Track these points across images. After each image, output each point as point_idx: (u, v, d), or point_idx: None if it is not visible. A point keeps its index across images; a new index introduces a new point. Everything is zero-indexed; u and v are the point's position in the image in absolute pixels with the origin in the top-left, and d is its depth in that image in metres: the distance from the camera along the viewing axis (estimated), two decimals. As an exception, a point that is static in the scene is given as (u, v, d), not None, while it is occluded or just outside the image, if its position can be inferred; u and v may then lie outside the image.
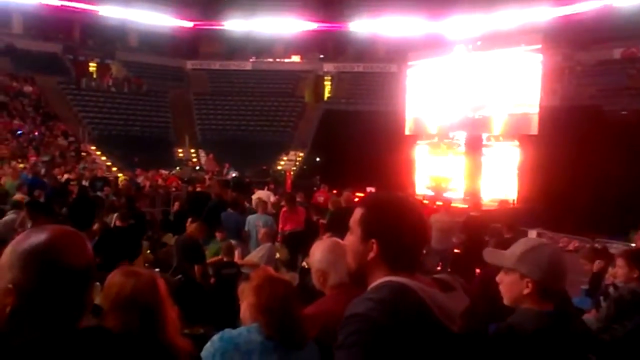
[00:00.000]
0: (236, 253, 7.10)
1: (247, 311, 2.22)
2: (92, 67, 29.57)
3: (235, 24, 31.86)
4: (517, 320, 1.93)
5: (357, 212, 1.64)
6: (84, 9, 28.86)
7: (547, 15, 25.76)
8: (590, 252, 5.66)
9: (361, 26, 31.18)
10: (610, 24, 23.20)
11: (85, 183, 12.76)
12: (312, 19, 31.26)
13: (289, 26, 31.89)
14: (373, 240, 1.58)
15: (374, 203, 1.67)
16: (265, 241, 7.39)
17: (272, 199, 11.34)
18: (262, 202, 9.09)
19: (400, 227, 1.58)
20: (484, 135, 16.15)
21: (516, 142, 15.36)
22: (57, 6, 28.37)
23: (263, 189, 13.25)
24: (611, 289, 3.91)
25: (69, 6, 28.59)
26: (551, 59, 19.67)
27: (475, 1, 27.24)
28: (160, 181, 16.72)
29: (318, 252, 2.46)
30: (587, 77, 22.88)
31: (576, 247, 10.06)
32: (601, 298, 3.80)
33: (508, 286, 2.00)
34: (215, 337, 2.14)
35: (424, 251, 1.67)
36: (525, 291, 1.93)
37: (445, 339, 1.52)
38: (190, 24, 31.95)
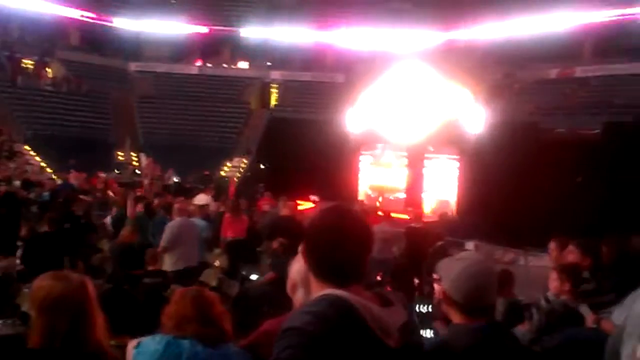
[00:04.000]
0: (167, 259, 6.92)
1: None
2: (29, 64, 28.40)
3: (181, 27, 31.38)
4: (451, 336, 1.97)
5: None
6: (23, 5, 27.72)
7: (488, 34, 26.63)
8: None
9: (309, 36, 31.32)
10: (547, 44, 24.23)
11: (17, 184, 12.22)
12: (259, 25, 31.16)
13: (236, 32, 31.66)
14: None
15: (312, 224, 1.67)
16: None
17: (213, 206, 11.17)
18: (200, 207, 8.98)
19: (335, 243, 1.58)
20: (427, 148, 16.50)
21: (456, 156, 15.77)
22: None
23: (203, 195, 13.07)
24: (542, 302, 4.02)
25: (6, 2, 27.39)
26: (492, 77, 20.40)
27: (424, 17, 27.84)
28: (98, 184, 16.20)
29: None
30: (526, 95, 23.79)
31: (511, 259, 10.35)
32: (534, 310, 3.90)
33: (437, 293, 2.09)
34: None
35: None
36: (441, 297, 2.01)
37: (381, 353, 1.52)
38: (135, 25, 31.18)
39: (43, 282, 2.01)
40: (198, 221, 8.29)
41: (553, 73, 24.83)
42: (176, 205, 7.88)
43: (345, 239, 1.60)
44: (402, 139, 16.95)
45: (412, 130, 16.60)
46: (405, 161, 16.96)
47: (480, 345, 1.90)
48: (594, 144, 16.74)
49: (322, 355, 1.44)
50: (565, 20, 24.60)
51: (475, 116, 15.76)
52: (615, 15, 23.60)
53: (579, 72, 24.12)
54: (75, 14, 29.46)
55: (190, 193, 13.85)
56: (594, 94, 23.05)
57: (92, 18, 30.08)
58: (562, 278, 3.94)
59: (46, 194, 12.03)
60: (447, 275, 2.01)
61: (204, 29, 31.41)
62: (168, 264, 6.87)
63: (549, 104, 22.29)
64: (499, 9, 25.15)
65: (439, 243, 6.95)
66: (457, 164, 15.65)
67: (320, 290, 1.58)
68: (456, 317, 1.98)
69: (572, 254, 4.61)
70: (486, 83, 19.11)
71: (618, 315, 3.21)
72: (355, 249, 1.62)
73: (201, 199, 11.22)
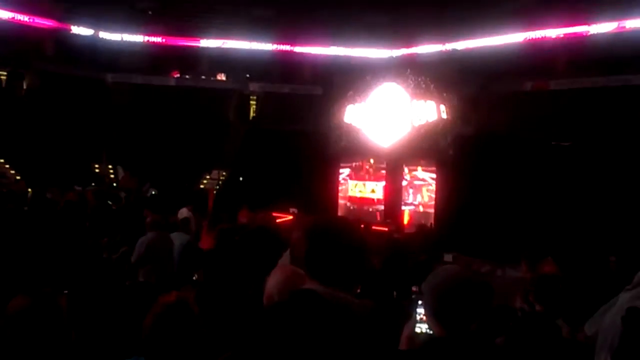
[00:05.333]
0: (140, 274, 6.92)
1: None
2: (3, 75, 28.00)
3: (158, 39, 31.28)
4: (427, 349, 2.04)
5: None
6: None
7: (463, 45, 27.04)
8: None
9: (287, 48, 31.47)
10: (523, 57, 24.67)
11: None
12: (238, 38, 31.21)
13: (215, 43, 31.66)
14: None
15: (314, 226, 1.78)
16: None
17: (193, 219, 11.11)
18: (182, 220, 8.95)
19: (331, 245, 1.70)
20: (405, 160, 16.67)
21: (433, 168, 15.96)
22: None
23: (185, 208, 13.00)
24: (519, 313, 4.11)
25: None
26: (467, 89, 20.70)
27: (399, 30, 28.14)
28: (73, 198, 15.96)
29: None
30: (501, 107, 24.16)
31: (488, 270, 10.47)
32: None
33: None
34: None
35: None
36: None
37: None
38: (113, 36, 30.99)
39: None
40: (178, 235, 8.22)
41: (528, 85, 25.28)
42: (148, 219, 7.78)
43: (342, 243, 1.68)
44: (381, 151, 17.10)
45: (390, 142, 16.75)
46: (384, 173, 17.10)
47: (436, 356, 1.97)
48: (569, 156, 17.10)
49: None
50: (540, 33, 25.17)
51: (451, 128, 15.98)
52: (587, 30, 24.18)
53: (554, 84, 24.60)
54: (51, 24, 29.18)
55: (169, 206, 13.74)
56: (568, 106, 23.51)
57: (68, 29, 29.82)
58: (538, 290, 4.04)
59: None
60: (426, 287, 2.08)
61: (181, 41, 31.35)
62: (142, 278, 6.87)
63: (524, 116, 22.68)
64: (477, 23, 25.56)
65: (422, 257, 7.00)
66: (435, 176, 15.83)
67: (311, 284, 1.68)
68: (437, 329, 2.04)
69: (548, 266, 4.72)
70: (462, 95, 19.40)
71: (589, 327, 3.31)
72: (349, 254, 1.70)
73: (183, 212, 11.18)
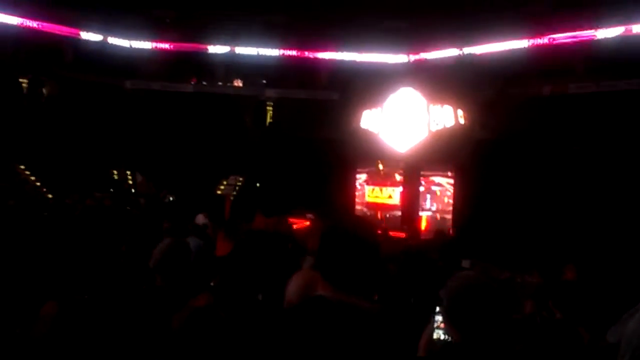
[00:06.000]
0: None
1: None
2: (24, 83, 28.47)
3: (176, 45, 31.60)
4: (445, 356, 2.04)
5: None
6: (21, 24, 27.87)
7: (480, 49, 26.88)
8: None
9: (303, 53, 31.57)
10: (541, 60, 24.47)
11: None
12: (254, 44, 31.38)
13: (229, 49, 31.85)
14: None
15: (331, 227, 1.81)
16: None
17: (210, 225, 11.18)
18: (193, 226, 9.01)
19: (345, 247, 1.70)
20: (423, 165, 16.62)
21: (451, 174, 15.88)
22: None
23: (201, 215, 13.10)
24: (538, 320, 4.06)
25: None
26: (484, 93, 20.59)
27: (418, 35, 28.10)
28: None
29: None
30: (519, 112, 23.96)
31: (506, 277, 10.37)
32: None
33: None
34: None
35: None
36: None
37: None
38: (129, 43, 31.37)
39: None
40: (191, 240, 8.27)
41: (546, 90, 25.05)
42: (165, 225, 7.86)
43: (353, 243, 1.67)
44: (398, 157, 17.06)
45: (407, 147, 16.71)
46: (401, 179, 17.06)
47: None
48: (590, 161, 16.88)
49: None
50: (558, 36, 24.95)
51: (469, 133, 15.90)
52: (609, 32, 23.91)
53: (573, 88, 24.34)
54: (68, 31, 29.65)
55: (186, 213, 13.86)
56: (588, 110, 23.23)
57: (81, 36, 30.28)
58: (558, 296, 3.99)
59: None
60: (445, 294, 2.06)
61: (197, 47, 31.62)
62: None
63: (543, 121, 22.45)
64: (494, 26, 25.44)
65: (439, 263, 6.96)
66: (452, 182, 15.76)
67: (325, 289, 1.67)
68: (455, 336, 2.02)
69: (569, 272, 4.67)
70: (479, 99, 19.30)
71: (611, 334, 3.26)
72: (361, 253, 1.69)
73: (199, 218, 11.26)
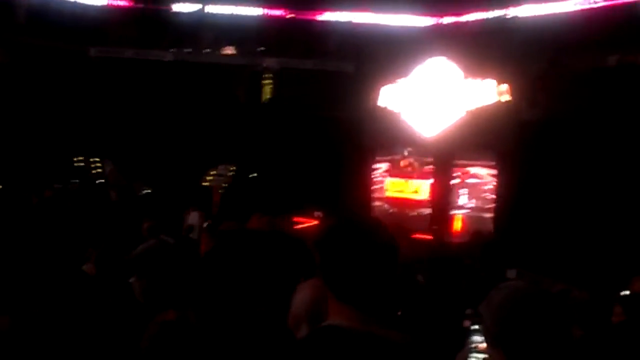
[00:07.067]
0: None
1: None
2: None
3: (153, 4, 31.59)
4: None
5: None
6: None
7: (528, 11, 26.66)
8: None
9: (310, 14, 31.46)
10: (605, 24, 24.27)
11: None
12: (249, 3, 31.30)
13: (221, 9, 31.76)
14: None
15: (329, 234, 1.79)
16: None
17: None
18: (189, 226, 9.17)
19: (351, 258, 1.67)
20: (457, 153, 16.59)
21: (492, 163, 15.84)
22: None
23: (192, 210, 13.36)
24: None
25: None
26: (534, 65, 20.48)
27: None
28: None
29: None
30: (577, 87, 23.83)
31: (560, 290, 10.35)
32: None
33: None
34: None
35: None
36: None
37: None
38: (99, 2, 31.37)
39: None
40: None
41: (612, 60, 24.88)
42: (145, 225, 8.00)
43: (365, 255, 1.66)
44: (426, 143, 17.03)
45: (437, 131, 16.67)
46: (431, 169, 17.04)
47: None
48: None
49: None
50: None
51: (514, 113, 15.85)
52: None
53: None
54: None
55: (168, 208, 13.95)
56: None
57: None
58: (624, 309, 4.04)
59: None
60: (486, 309, 2.05)
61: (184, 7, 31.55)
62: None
63: (606, 98, 22.31)
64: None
65: (480, 272, 6.97)
66: (494, 172, 15.72)
67: (336, 312, 1.64)
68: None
69: (637, 283, 4.70)
70: (527, 72, 19.16)
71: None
72: (374, 264, 1.68)
73: (194, 217, 11.49)
